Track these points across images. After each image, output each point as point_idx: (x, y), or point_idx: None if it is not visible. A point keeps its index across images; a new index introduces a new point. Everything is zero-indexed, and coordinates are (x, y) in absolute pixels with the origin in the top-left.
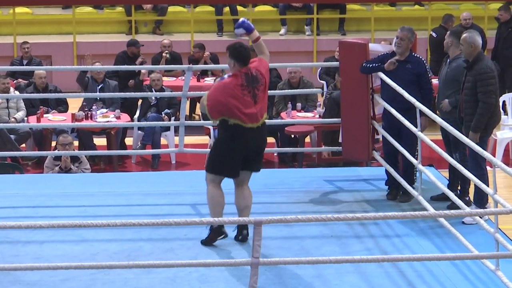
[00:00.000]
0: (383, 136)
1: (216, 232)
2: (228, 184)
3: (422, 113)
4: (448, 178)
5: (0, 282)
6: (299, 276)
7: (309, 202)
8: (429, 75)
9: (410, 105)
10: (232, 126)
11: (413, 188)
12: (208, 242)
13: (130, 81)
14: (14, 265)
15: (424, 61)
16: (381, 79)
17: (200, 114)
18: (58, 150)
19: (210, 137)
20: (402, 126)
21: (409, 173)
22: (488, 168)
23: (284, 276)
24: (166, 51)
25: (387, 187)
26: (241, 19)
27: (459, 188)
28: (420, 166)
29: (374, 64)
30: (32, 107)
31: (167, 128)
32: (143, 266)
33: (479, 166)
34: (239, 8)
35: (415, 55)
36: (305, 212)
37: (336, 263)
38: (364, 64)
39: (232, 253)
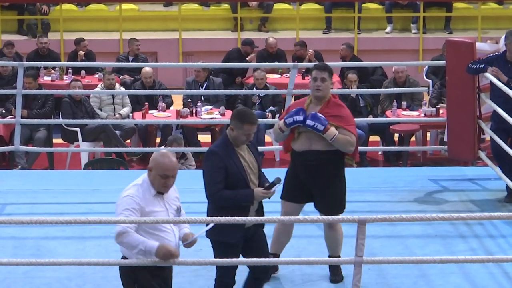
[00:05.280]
0: (491, 136)
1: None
2: None
3: None
4: None
5: (105, 277)
6: (402, 275)
7: (413, 201)
8: None
9: None
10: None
11: None
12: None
13: (237, 78)
14: (118, 260)
15: None
16: (490, 80)
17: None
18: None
19: None
20: None
21: None
22: None
23: (387, 275)
24: None
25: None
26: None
27: None
28: None
29: (479, 65)
30: (137, 104)
31: (272, 126)
32: (251, 263)
33: None
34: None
35: None
36: (409, 211)
37: (441, 263)
38: (470, 65)
39: None
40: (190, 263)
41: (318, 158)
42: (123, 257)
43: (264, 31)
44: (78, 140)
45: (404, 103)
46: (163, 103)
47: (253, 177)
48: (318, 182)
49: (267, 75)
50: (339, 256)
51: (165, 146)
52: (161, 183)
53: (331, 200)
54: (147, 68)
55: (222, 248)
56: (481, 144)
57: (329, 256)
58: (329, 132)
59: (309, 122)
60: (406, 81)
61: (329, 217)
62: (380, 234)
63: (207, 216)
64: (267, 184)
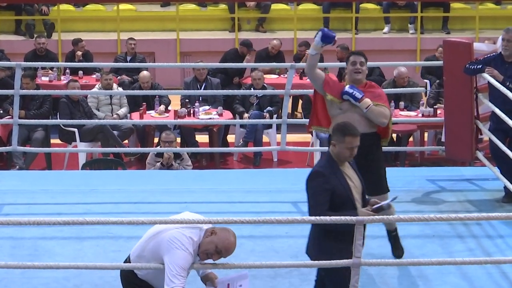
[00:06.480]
0: (489, 137)
1: None
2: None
3: None
4: None
5: (102, 277)
6: (400, 276)
7: (411, 202)
8: None
9: None
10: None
11: None
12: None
13: (235, 78)
14: (114, 264)
15: None
16: (488, 80)
17: (302, 112)
18: (160, 147)
19: (312, 135)
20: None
21: None
22: None
23: (385, 275)
24: None
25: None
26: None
27: None
28: None
29: (477, 66)
30: (135, 105)
31: (269, 126)
32: (244, 266)
33: None
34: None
35: None
36: (407, 212)
37: (438, 265)
38: (467, 66)
39: None
40: None
41: (360, 140)
42: (126, 261)
43: (262, 31)
44: (76, 141)
45: (401, 104)
46: (161, 106)
47: (358, 197)
48: (359, 164)
49: (265, 76)
50: (396, 229)
51: (160, 146)
52: (209, 255)
53: (374, 182)
54: (144, 72)
55: (336, 273)
56: (478, 144)
57: (388, 231)
58: (365, 101)
59: (348, 89)
60: (407, 85)
61: (327, 217)
62: (378, 235)
63: (311, 240)
64: (376, 206)
